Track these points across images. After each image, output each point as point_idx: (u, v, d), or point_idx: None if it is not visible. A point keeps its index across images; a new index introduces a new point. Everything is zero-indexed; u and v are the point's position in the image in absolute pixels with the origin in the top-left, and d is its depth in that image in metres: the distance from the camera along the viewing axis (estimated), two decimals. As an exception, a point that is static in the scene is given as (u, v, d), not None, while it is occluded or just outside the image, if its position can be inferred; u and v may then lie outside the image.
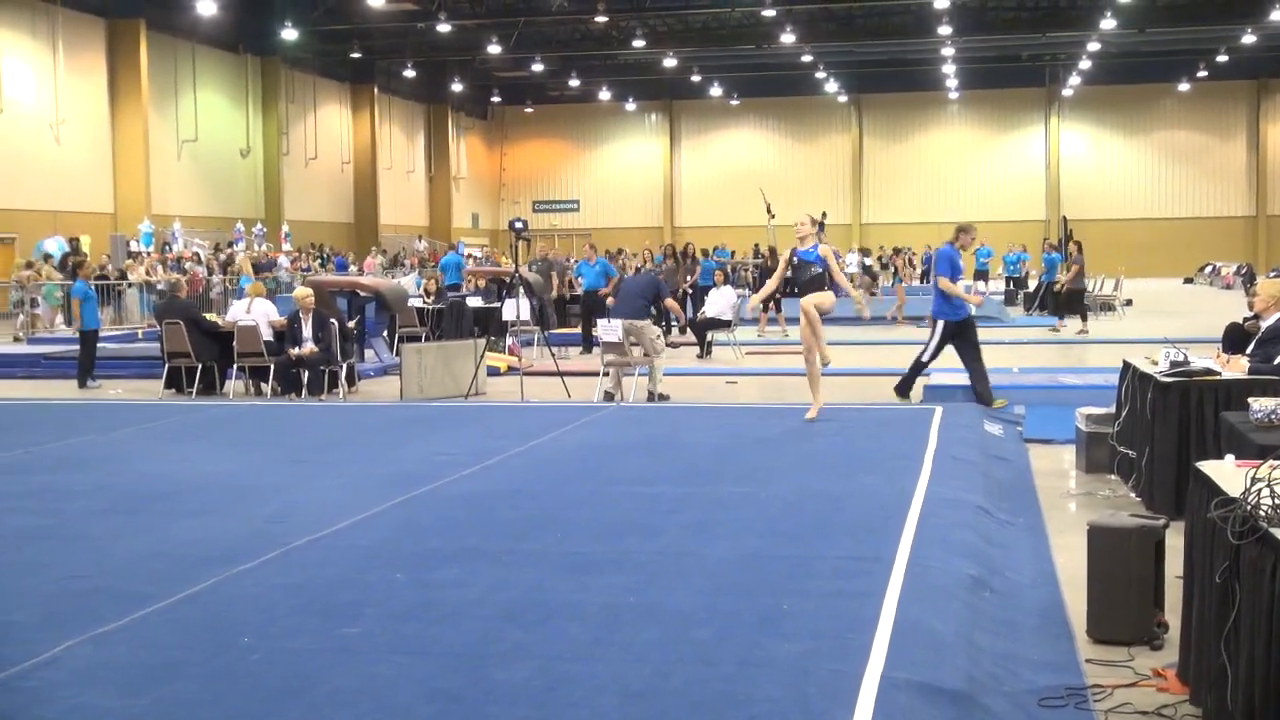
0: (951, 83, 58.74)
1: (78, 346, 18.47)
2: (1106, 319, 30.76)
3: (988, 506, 8.83)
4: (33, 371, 19.57)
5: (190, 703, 5.11)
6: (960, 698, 5.16)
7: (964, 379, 16.26)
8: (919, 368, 14.30)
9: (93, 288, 19.51)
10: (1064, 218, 56.16)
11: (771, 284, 14.23)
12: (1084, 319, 26.39)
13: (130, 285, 29.88)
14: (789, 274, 13.31)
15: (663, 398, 15.18)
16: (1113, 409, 10.37)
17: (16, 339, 25.85)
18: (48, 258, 29.77)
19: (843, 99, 61.79)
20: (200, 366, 16.83)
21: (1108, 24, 44.04)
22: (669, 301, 15.18)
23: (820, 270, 12.71)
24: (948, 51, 52.16)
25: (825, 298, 12.66)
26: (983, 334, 25.17)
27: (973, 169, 61.65)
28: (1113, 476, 10.10)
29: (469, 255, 46.11)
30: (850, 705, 4.92)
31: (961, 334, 13.86)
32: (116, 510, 8.98)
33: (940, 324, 13.92)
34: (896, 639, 5.67)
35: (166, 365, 17.12)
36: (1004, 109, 61.26)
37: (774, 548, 7.49)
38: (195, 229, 39.87)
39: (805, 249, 12.78)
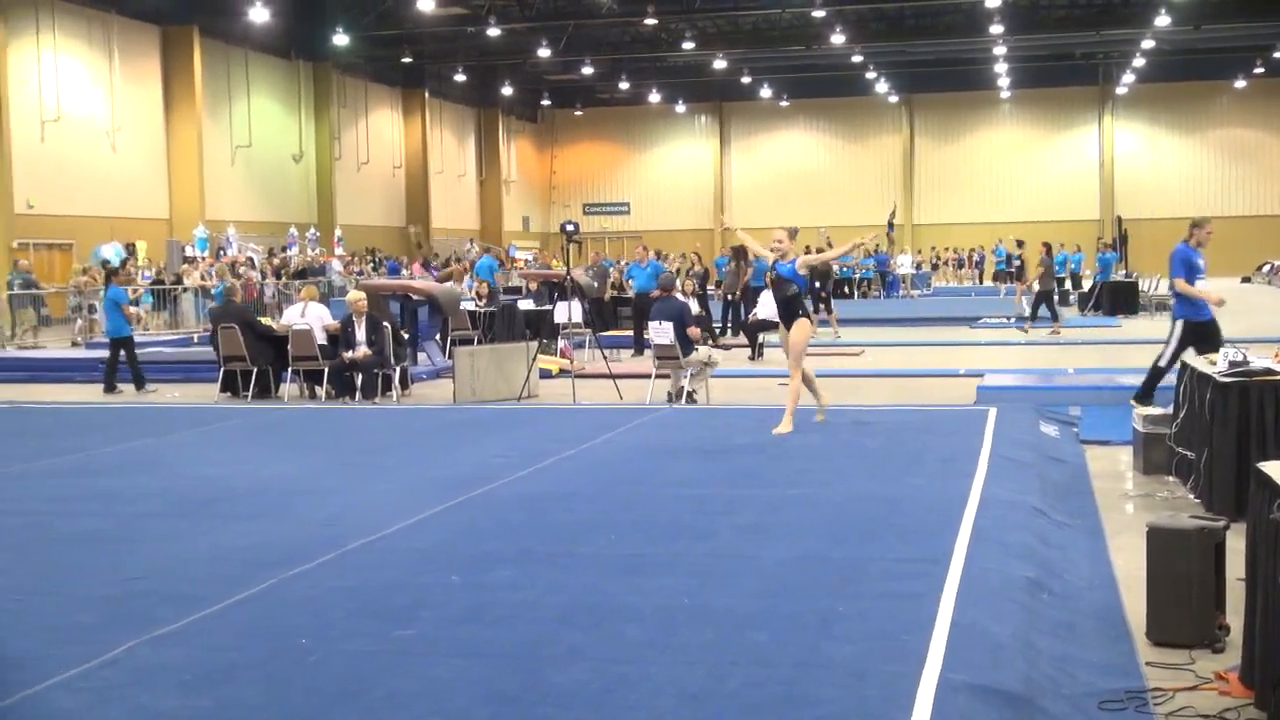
0: (1003, 82, 58.35)
1: (135, 350, 18.64)
2: (1162, 319, 30.44)
3: (1044, 508, 8.76)
4: (91, 376, 19.74)
5: (249, 704, 5.15)
6: (1018, 700, 5.12)
7: (1018, 380, 16.20)
8: (1158, 373, 12.72)
9: (128, 294, 19.70)
10: (1118, 217, 55.91)
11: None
12: (1033, 319, 26.15)
13: (185, 290, 30.15)
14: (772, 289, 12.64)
15: (690, 399, 15.16)
16: (1170, 409, 10.27)
17: (75, 344, 26.14)
18: (105, 264, 30.08)
19: (893, 99, 61.56)
20: (255, 370, 16.96)
21: (1162, 21, 43.59)
22: (692, 330, 15.09)
23: (798, 290, 12.27)
24: (999, 50, 51.81)
25: (803, 331, 12.26)
26: (1036, 334, 25.26)
27: (1026, 169, 61.24)
28: (1171, 478, 9.99)
29: (523, 260, 46.41)
30: (908, 707, 4.90)
31: (1205, 337, 12.23)
32: (174, 513, 9.06)
33: (1179, 324, 12.47)
34: (954, 641, 5.64)
35: (222, 369, 17.27)
36: (1057, 108, 60.80)
37: (829, 550, 7.47)
38: (249, 234, 40.21)
39: (785, 264, 12.24)
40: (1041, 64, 56.28)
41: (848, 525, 8.13)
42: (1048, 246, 28.09)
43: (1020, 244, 35.63)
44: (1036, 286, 27.07)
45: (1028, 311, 28.64)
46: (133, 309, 20.51)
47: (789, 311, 12.26)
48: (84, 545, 8.05)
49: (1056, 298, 33.68)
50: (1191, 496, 9.28)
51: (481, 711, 5.01)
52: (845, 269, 42.79)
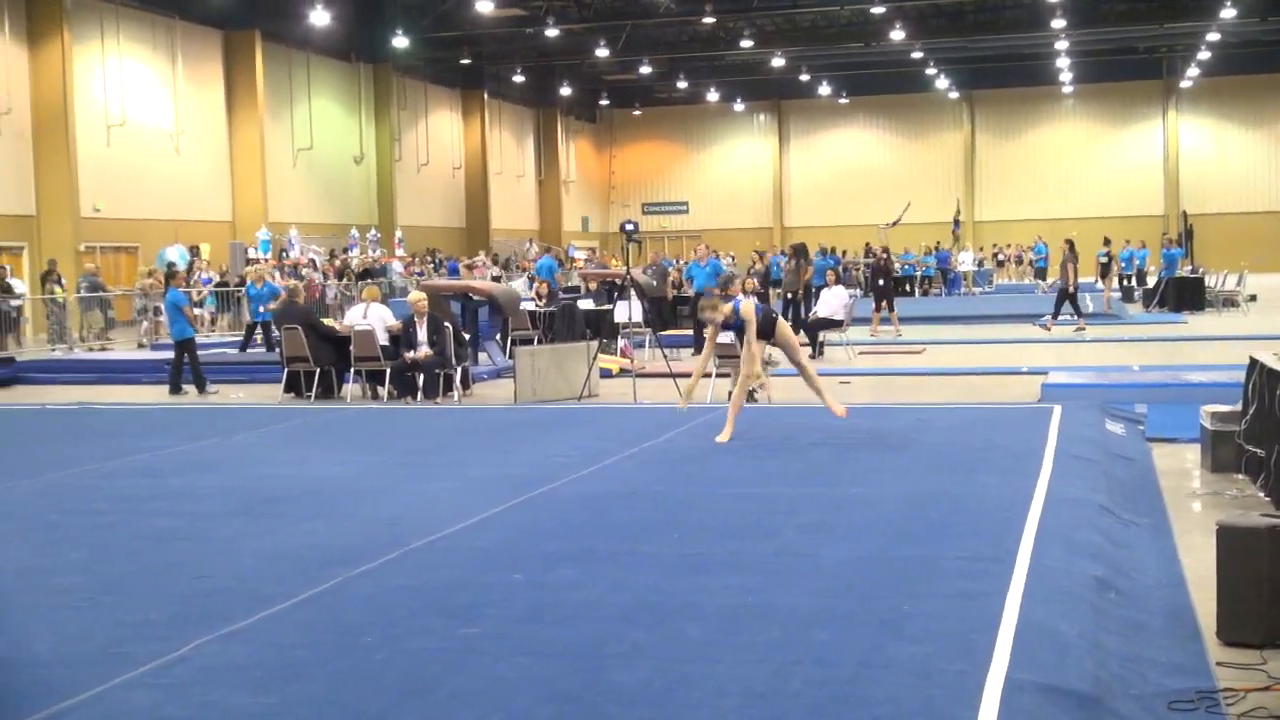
0: (1065, 77, 57.80)
1: (197, 353, 18.85)
2: (1230, 314, 30.10)
3: (1111, 506, 8.67)
4: (157, 377, 19.97)
5: (315, 701, 5.19)
6: (1087, 700, 5.07)
7: (1083, 377, 16.04)
8: None
9: (187, 295, 19.96)
10: (1184, 212, 55.29)
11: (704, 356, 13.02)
12: (1054, 317, 25.79)
13: (277, 291, 30.36)
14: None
15: (751, 398, 15.09)
16: (1239, 406, 10.13)
17: (140, 345, 26.46)
18: (170, 266, 30.44)
19: (954, 95, 61.13)
20: (318, 371, 17.10)
21: (1227, 13, 43.01)
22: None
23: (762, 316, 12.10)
24: (1061, 45, 51.32)
25: (786, 326, 12.33)
26: (1100, 331, 25.02)
27: (1088, 164, 60.61)
28: (1240, 476, 9.86)
29: (581, 259, 46.60)
30: (974, 707, 4.86)
31: None
32: (241, 512, 9.15)
33: None
34: (1020, 640, 5.59)
35: (285, 370, 17.43)
36: (1120, 102, 60.12)
37: (892, 548, 7.43)
38: (311, 236, 40.52)
39: (736, 319, 11.99)
40: (1104, 58, 55.69)
41: (911, 524, 8.09)
42: (1070, 243, 27.95)
43: (1107, 241, 35.34)
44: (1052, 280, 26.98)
45: (1110, 309, 28.50)
46: (197, 310, 20.69)
47: (770, 327, 12.09)
48: (153, 544, 8.14)
49: (1119, 294, 33.40)
50: (1261, 495, 9.15)
51: (545, 710, 5.02)
52: (906, 266, 42.56)
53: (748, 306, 12.16)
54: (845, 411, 11.99)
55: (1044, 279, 44.71)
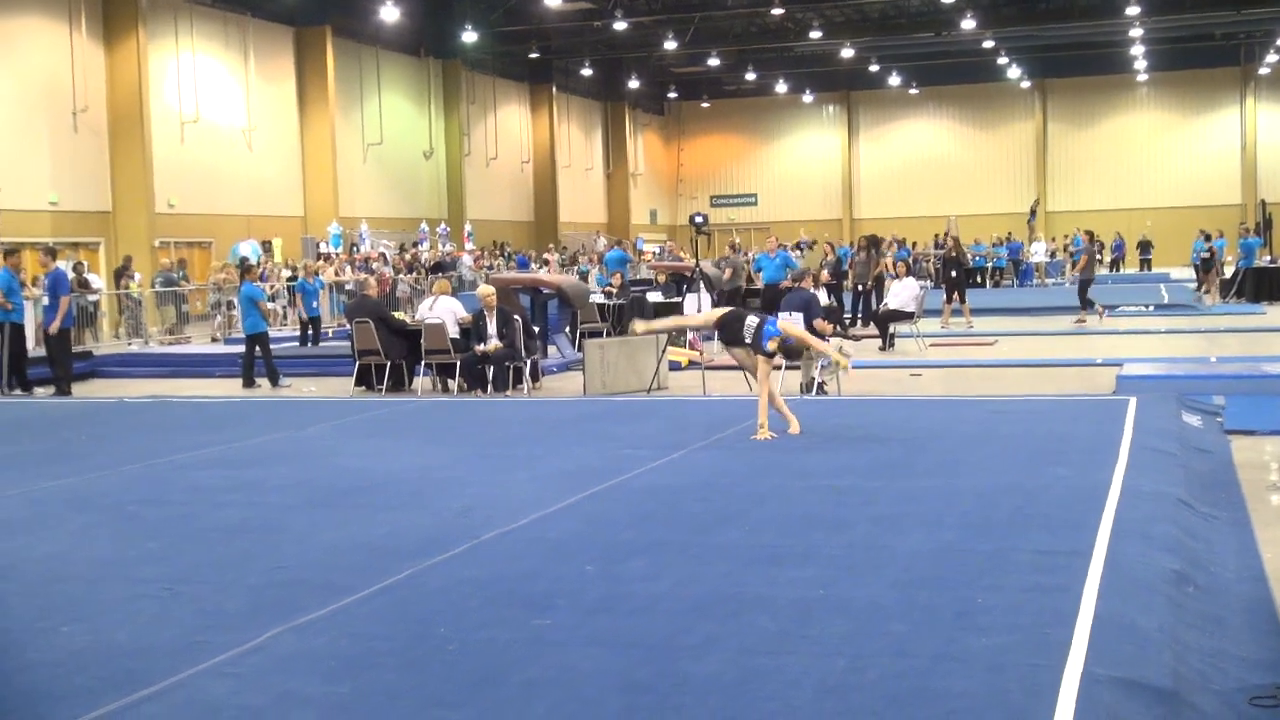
0: (1140, 64, 56.98)
1: (269, 346, 19.03)
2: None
3: (1188, 499, 8.55)
4: (231, 371, 20.19)
5: (389, 691, 5.22)
6: (1166, 695, 5.00)
7: (1159, 369, 15.84)
8: None
9: (262, 290, 20.20)
10: (1262, 201, 54.40)
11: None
12: (1085, 309, 25.61)
13: (321, 286, 30.68)
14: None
15: (821, 390, 15.04)
16: (1321, 397, 9.96)
17: (214, 339, 26.78)
18: (243, 261, 30.77)
19: (1026, 85, 60.52)
20: (389, 364, 17.22)
21: (1307, -2, 42.24)
22: (819, 323, 14.89)
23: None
24: (1136, 32, 50.55)
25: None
26: (1170, 322, 24.69)
27: (1163, 153, 59.78)
28: (1322, 468, 9.70)
29: (650, 252, 46.68)
30: (1051, 701, 4.80)
31: None
32: (314, 504, 9.21)
33: None
34: (1097, 634, 5.52)
35: (357, 363, 17.57)
36: (1196, 90, 59.23)
37: (967, 541, 7.37)
38: (381, 230, 40.83)
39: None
40: (1180, 45, 54.85)
41: (986, 516, 8.01)
42: (1091, 234, 27.78)
43: (1208, 237, 34.90)
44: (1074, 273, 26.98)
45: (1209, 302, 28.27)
46: (269, 305, 20.93)
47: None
48: (228, 535, 8.22)
49: (1198, 284, 32.90)
50: (1344, 488, 8.99)
51: (617, 700, 5.02)
52: (978, 258, 42.18)
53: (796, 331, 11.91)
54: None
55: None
